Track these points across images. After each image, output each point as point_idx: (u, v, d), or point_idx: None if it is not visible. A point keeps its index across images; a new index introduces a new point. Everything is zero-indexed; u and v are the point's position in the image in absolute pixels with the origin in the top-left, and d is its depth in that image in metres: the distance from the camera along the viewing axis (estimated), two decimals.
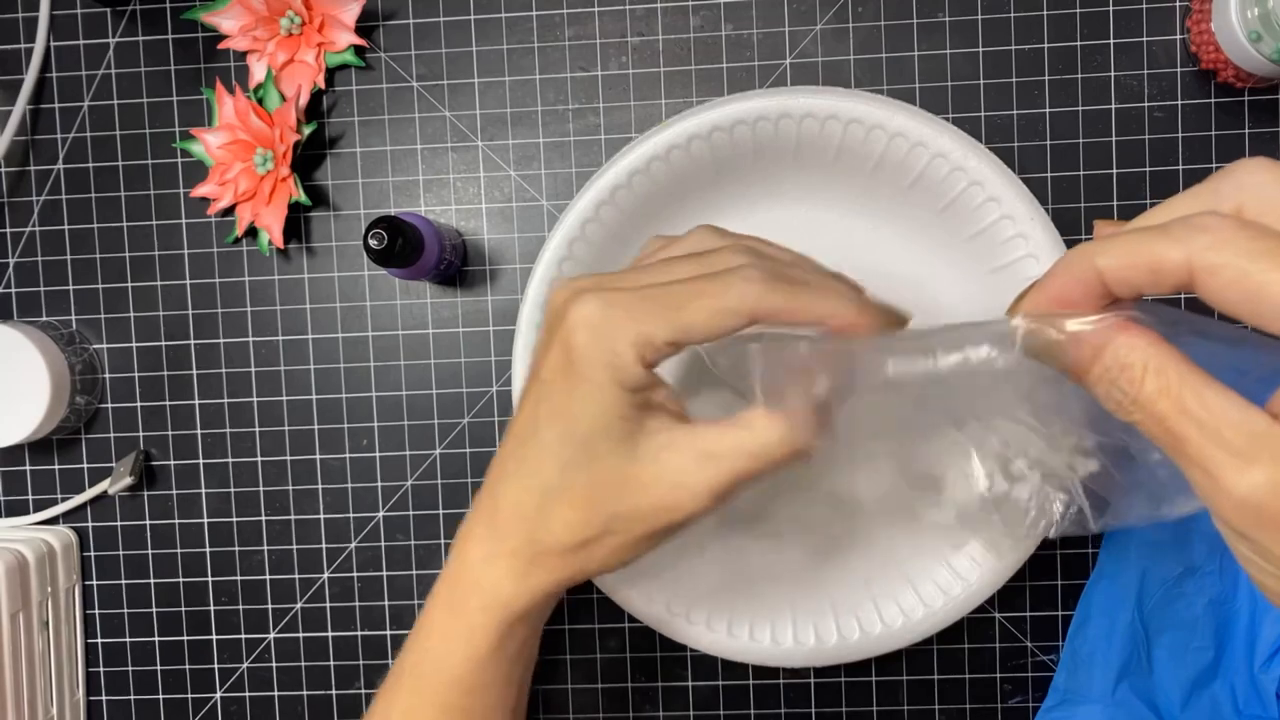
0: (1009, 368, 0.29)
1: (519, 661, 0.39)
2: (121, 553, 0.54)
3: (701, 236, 0.38)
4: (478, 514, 0.37)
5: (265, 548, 0.53)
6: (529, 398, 0.36)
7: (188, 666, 0.54)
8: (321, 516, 0.53)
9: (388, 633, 0.53)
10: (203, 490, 0.53)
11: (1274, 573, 0.24)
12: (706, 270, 0.34)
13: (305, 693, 0.53)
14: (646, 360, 0.32)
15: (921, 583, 0.47)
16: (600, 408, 0.33)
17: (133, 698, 0.54)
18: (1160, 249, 0.24)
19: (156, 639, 0.54)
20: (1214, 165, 0.49)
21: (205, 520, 0.53)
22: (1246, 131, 0.49)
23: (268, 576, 0.53)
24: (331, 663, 0.53)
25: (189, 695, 0.54)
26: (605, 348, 0.32)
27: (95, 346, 0.53)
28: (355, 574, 0.53)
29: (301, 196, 0.50)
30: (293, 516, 0.53)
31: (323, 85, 0.51)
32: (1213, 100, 0.49)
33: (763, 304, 0.32)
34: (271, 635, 0.53)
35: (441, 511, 0.52)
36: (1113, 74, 0.49)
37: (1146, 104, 0.49)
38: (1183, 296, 0.48)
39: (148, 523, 0.53)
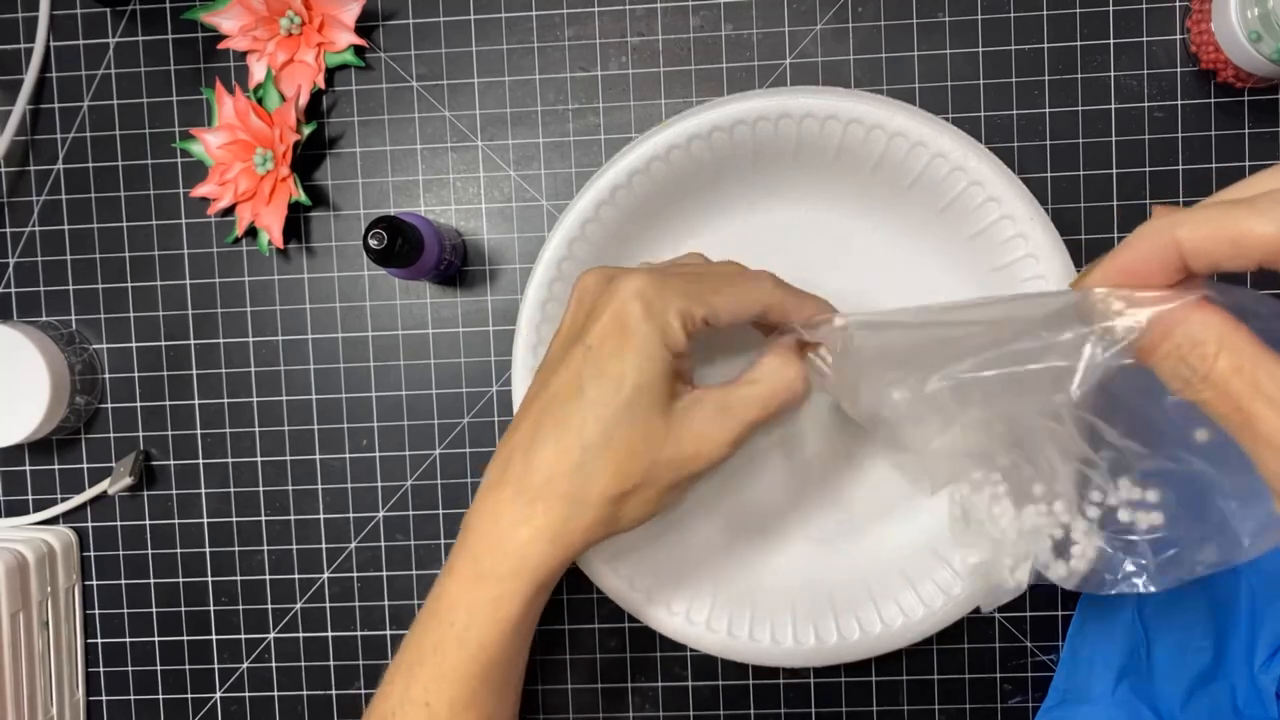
0: (1072, 346, 0.28)
1: (529, 637, 0.41)
2: (121, 553, 0.54)
3: (694, 256, 0.44)
4: (505, 480, 0.38)
5: (265, 548, 0.53)
6: (571, 361, 0.38)
7: (188, 666, 0.54)
8: (321, 516, 0.53)
9: (388, 633, 0.53)
10: (203, 490, 0.53)
11: None
12: (725, 273, 0.40)
13: (305, 693, 0.53)
14: (687, 331, 0.37)
15: (921, 583, 0.47)
16: (648, 367, 0.37)
17: (133, 698, 0.54)
18: (1248, 222, 0.24)
19: (156, 639, 0.54)
20: (1214, 165, 0.49)
21: (205, 520, 0.53)
22: (1246, 131, 0.49)
23: (268, 576, 0.53)
24: (331, 663, 0.53)
25: (189, 695, 0.54)
26: (658, 313, 0.37)
27: (95, 346, 0.53)
28: (355, 574, 0.53)
29: (301, 196, 0.50)
30: (293, 516, 0.53)
31: (323, 85, 0.51)
32: (1212, 100, 0.49)
33: (774, 299, 0.39)
34: (271, 635, 0.53)
35: (441, 511, 0.52)
36: (1113, 74, 0.49)
37: (1146, 104, 0.49)
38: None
39: (148, 523, 0.53)
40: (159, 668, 0.54)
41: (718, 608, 0.47)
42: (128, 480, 0.52)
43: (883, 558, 0.48)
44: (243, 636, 0.53)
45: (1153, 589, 0.33)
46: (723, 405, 0.38)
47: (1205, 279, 0.27)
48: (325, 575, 0.53)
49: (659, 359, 0.37)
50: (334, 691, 0.53)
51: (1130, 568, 0.33)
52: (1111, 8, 0.49)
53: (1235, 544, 0.30)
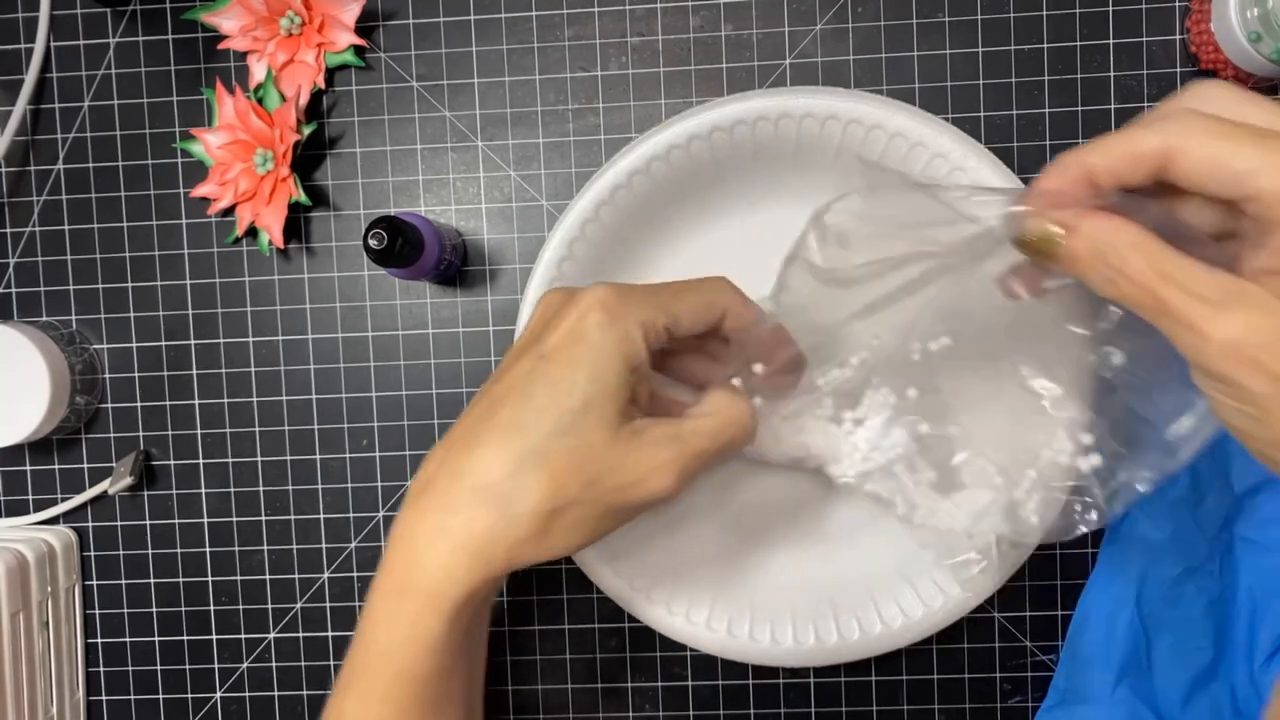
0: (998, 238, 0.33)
1: (467, 644, 0.39)
2: (121, 553, 0.54)
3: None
4: (430, 487, 0.36)
5: (265, 548, 0.53)
6: (518, 369, 0.37)
7: (188, 666, 0.54)
8: (321, 516, 0.53)
9: None
10: (203, 490, 0.53)
11: (1249, 413, 0.28)
12: (685, 281, 0.40)
13: (305, 693, 0.53)
14: (648, 342, 0.37)
15: (921, 582, 0.47)
16: (601, 379, 0.36)
17: (133, 698, 0.54)
18: (1139, 139, 0.30)
19: (156, 639, 0.54)
20: None
21: (205, 520, 0.53)
22: None
23: (268, 576, 0.53)
24: (331, 663, 0.53)
25: (189, 695, 0.54)
26: (619, 325, 0.36)
27: (95, 346, 0.53)
28: (355, 574, 0.53)
29: (301, 196, 0.50)
30: (293, 516, 0.53)
31: (323, 85, 0.51)
32: None
33: (733, 302, 0.39)
34: (271, 635, 0.53)
35: None
36: (1112, 74, 0.49)
37: (1146, 104, 0.49)
38: None
39: (148, 523, 0.53)
40: (159, 668, 0.54)
41: (718, 608, 0.47)
42: (128, 480, 0.52)
43: (882, 558, 0.48)
44: (243, 636, 0.53)
45: (1109, 517, 0.36)
46: (674, 433, 0.37)
47: (1115, 194, 0.31)
48: (325, 575, 0.53)
49: (615, 372, 0.36)
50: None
51: (1079, 507, 0.37)
52: (1111, 8, 0.49)
53: (1169, 452, 0.34)
